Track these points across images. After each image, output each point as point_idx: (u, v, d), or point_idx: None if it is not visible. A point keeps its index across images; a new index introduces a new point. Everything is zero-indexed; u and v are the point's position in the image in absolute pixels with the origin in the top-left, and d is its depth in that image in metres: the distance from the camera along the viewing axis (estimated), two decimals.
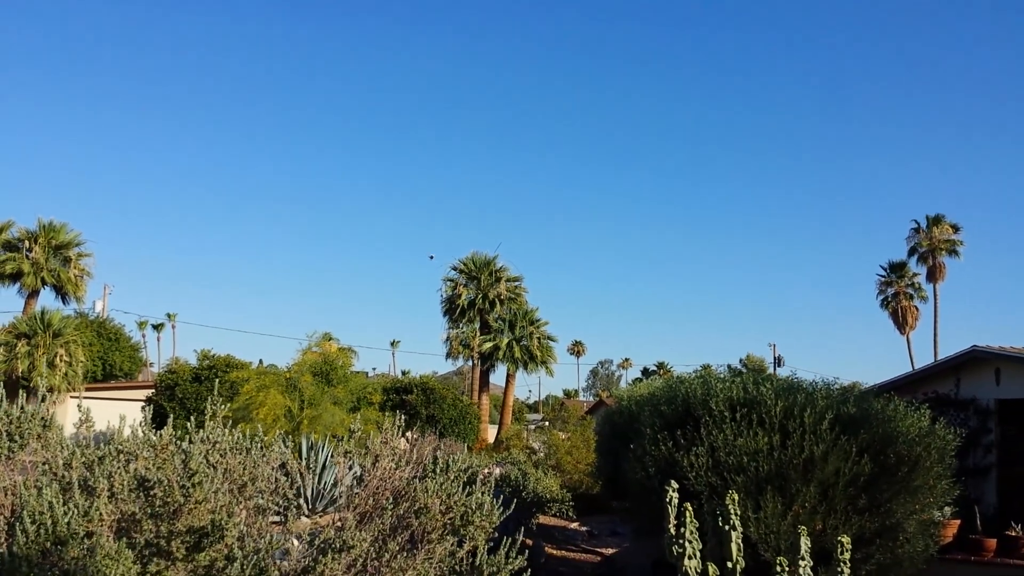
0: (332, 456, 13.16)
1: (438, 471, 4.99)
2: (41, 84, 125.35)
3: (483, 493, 5.08)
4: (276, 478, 5.05)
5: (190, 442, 4.79)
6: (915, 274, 60.64)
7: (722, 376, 12.17)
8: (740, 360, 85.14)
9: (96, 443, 5.54)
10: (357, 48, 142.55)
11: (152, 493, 4.18)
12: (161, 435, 4.89)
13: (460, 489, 5.03)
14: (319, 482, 13.20)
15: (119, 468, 4.35)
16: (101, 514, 4.14)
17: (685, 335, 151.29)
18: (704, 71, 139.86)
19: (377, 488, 4.86)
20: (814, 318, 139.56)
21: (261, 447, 5.56)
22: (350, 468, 6.80)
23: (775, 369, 63.46)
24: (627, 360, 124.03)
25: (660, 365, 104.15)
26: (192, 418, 5.54)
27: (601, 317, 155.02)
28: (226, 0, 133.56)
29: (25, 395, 7.85)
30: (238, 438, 5.04)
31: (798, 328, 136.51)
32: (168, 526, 4.12)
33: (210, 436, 4.91)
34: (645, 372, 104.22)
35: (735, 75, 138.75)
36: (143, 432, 4.92)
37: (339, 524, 4.84)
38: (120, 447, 4.77)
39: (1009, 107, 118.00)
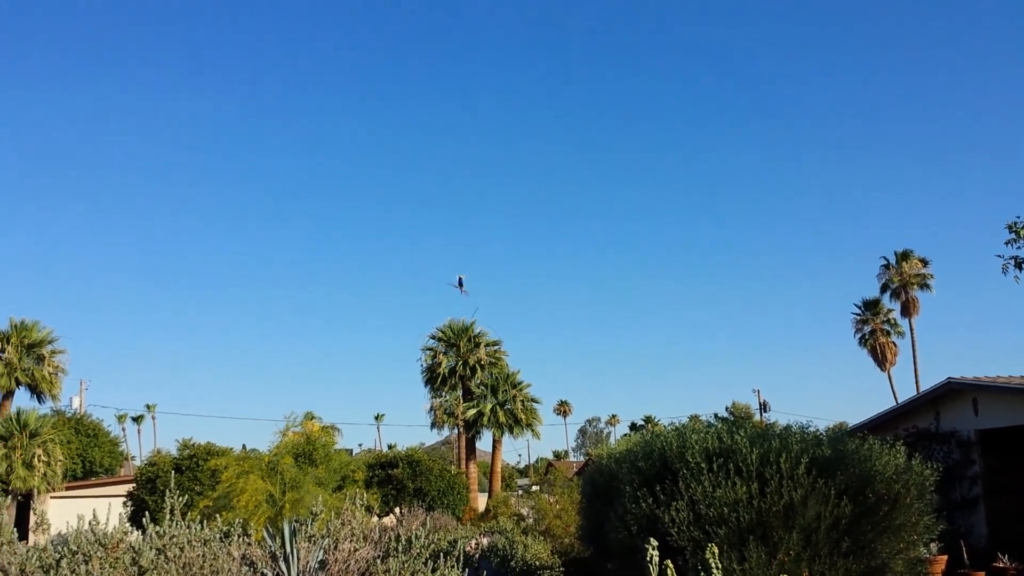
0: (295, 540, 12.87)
1: (400, 549, 4.92)
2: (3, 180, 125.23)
3: (450, 569, 5.00)
4: (239, 569, 4.97)
5: (146, 537, 4.72)
6: (890, 310, 61.19)
7: (698, 428, 12.15)
8: (726, 408, 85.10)
9: (63, 545, 5.45)
10: (322, 123, 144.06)
11: None
12: (111, 534, 4.82)
13: (426, 566, 4.96)
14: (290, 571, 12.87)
15: (71, 572, 4.27)
16: None
17: (671, 387, 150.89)
18: (675, 114, 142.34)
19: (338, 573, 4.79)
20: (796, 361, 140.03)
21: (227, 537, 5.48)
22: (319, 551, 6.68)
23: (761, 415, 63.45)
24: (614, 416, 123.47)
25: (648, 419, 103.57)
26: (173, 511, 5.46)
27: (585, 375, 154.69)
28: (186, 80, 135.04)
29: (5, 497, 7.72)
30: (198, 530, 4.97)
31: (782, 372, 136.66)
32: None
33: (167, 530, 4.84)
34: (633, 427, 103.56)
35: (705, 119, 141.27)
36: (93, 532, 4.84)
37: None
38: (75, 548, 4.69)
39: (966, 134, 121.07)
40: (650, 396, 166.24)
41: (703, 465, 10.33)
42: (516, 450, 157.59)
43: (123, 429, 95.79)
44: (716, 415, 62.58)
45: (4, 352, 39.06)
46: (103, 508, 10.12)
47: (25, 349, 39.79)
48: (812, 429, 11.94)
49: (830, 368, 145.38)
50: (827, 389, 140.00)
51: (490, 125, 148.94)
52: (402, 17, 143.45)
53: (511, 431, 43.35)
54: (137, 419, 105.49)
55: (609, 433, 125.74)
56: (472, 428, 43.37)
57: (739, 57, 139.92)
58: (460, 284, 50.03)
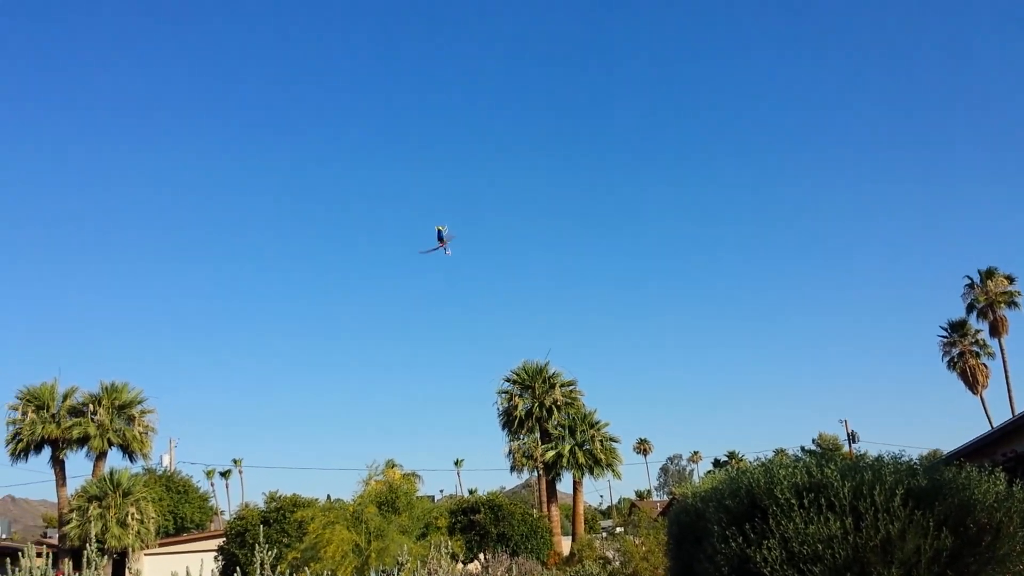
0: None
1: None
2: (91, 246, 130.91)
3: None
4: None
5: None
6: (977, 331, 58.92)
7: (785, 462, 11.85)
8: (813, 440, 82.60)
9: None
10: (393, 174, 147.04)
11: None
12: None
13: None
14: None
15: None
16: None
17: (754, 421, 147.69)
18: (752, 147, 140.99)
19: None
20: (884, 388, 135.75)
21: None
22: None
23: (849, 446, 61.45)
24: (696, 453, 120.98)
25: (731, 455, 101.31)
26: (263, 564, 5.57)
27: (663, 411, 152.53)
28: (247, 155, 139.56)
29: (102, 556, 8.00)
30: None
31: (869, 401, 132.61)
32: None
33: None
34: (716, 464, 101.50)
35: (783, 150, 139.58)
36: None
37: None
38: None
39: None
40: (732, 431, 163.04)
41: (793, 501, 10.06)
42: (597, 491, 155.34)
43: (211, 484, 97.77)
44: (803, 448, 60.97)
45: (96, 414, 40.44)
46: (195, 564, 10.37)
47: (116, 410, 41.14)
48: (905, 459, 11.53)
49: (919, 394, 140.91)
50: (917, 416, 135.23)
51: (582, 170, 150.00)
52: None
53: (591, 472, 42.88)
54: (225, 474, 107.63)
55: (692, 471, 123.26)
56: (552, 470, 43.04)
57: (820, 85, 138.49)
58: (441, 240, 37.99)
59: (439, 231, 37.54)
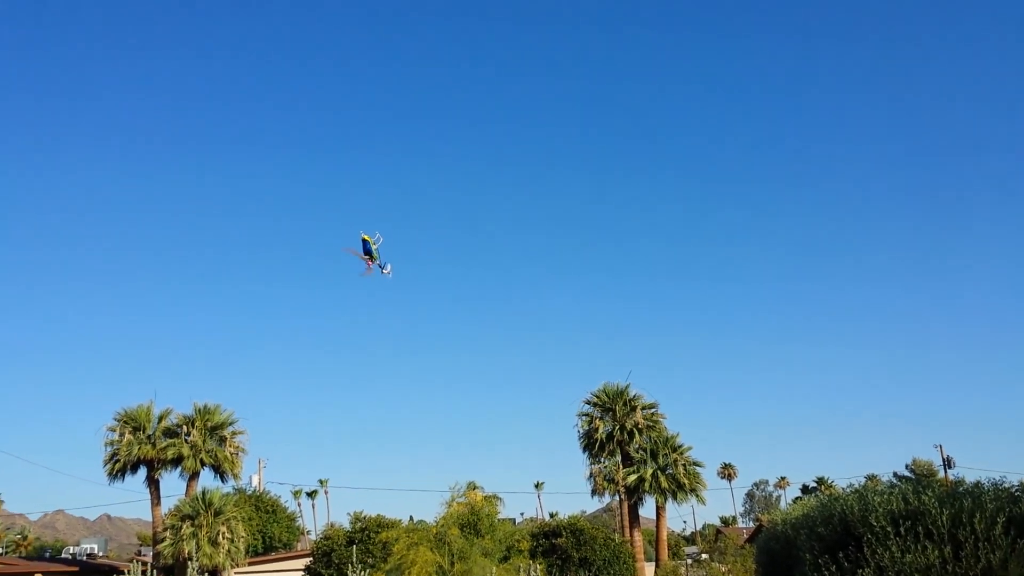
0: None
1: None
2: (187, 271, 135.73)
3: None
4: None
5: None
6: None
7: (879, 489, 11.51)
8: (906, 466, 79.58)
9: None
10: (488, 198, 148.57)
11: None
12: None
13: None
14: None
15: None
16: None
17: (843, 445, 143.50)
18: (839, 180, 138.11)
19: None
20: (980, 412, 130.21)
21: None
22: None
23: (945, 472, 59.04)
24: (784, 479, 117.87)
25: (820, 480, 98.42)
26: None
27: (748, 435, 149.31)
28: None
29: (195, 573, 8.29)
30: None
31: (964, 425, 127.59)
32: None
33: None
34: (804, 490, 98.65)
35: (844, 179, 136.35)
36: None
37: None
38: None
39: None
40: (820, 456, 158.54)
41: (889, 529, 9.78)
42: (681, 517, 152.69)
43: (299, 504, 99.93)
44: (896, 474, 58.81)
45: (189, 435, 41.72)
46: None
47: (208, 431, 42.37)
48: (1006, 485, 11.08)
49: (1020, 417, 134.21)
50: (1017, 440, 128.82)
51: (673, 198, 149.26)
52: None
53: (674, 497, 42.20)
54: (311, 494, 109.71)
55: (779, 497, 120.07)
56: (634, 494, 42.52)
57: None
58: (369, 254, 28.42)
59: (365, 241, 28.50)
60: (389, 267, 29.73)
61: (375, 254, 28.88)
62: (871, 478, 45.08)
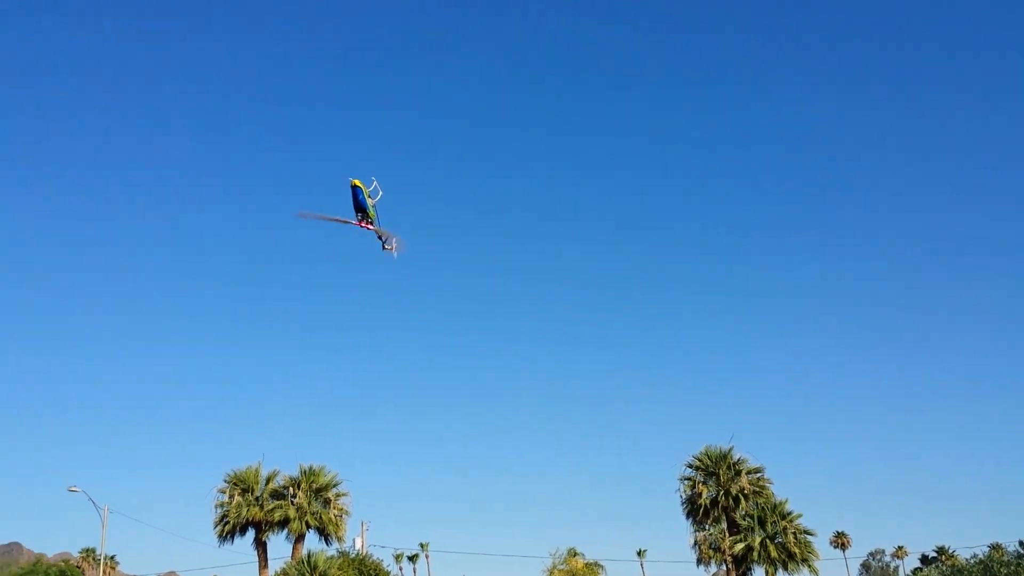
0: None
1: None
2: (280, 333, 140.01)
3: None
4: None
5: None
6: None
7: (1005, 559, 10.90)
8: None
9: None
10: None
11: None
12: None
13: None
14: None
15: None
16: None
17: (966, 513, 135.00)
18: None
19: None
20: None
21: None
22: None
23: None
24: (901, 548, 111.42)
25: (941, 550, 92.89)
26: None
27: (862, 501, 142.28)
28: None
29: None
30: None
31: None
32: None
33: None
34: (924, 560, 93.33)
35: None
36: None
37: None
38: None
39: None
40: (941, 523, 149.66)
41: None
42: None
43: (400, 568, 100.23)
44: (1021, 543, 54.96)
45: (295, 497, 42.62)
46: None
47: (313, 493, 43.22)
48: None
49: None
50: None
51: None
52: None
53: (785, 567, 40.51)
54: (412, 558, 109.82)
55: (897, 567, 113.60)
56: (741, 564, 41.03)
57: None
58: (362, 213, 21.46)
59: (356, 189, 20.92)
60: (395, 241, 22.30)
61: (371, 210, 21.37)
62: (995, 547, 42.31)
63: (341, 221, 21.23)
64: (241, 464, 43.65)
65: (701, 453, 43.75)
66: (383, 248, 22.47)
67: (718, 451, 43.44)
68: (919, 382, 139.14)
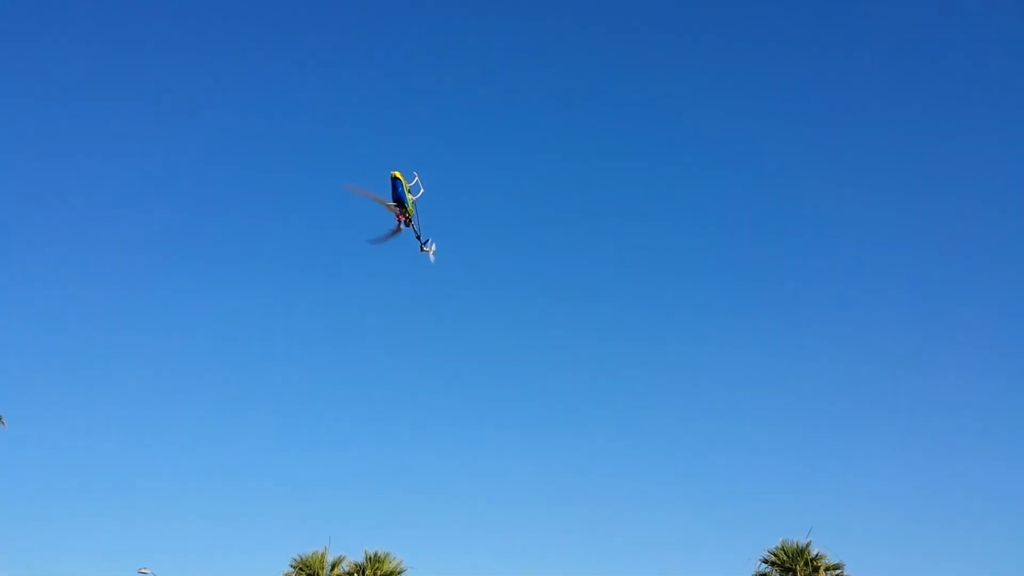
0: None
1: None
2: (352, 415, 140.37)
3: None
4: None
5: None
6: None
7: None
8: None
9: None
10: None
11: None
12: None
13: None
14: None
15: None
16: None
17: None
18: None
19: None
20: None
21: None
22: None
23: None
24: None
25: None
26: None
27: None
28: None
29: None
30: None
31: None
32: None
33: None
34: None
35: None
36: None
37: None
38: None
39: None
40: None
41: None
42: None
43: None
44: None
45: None
46: None
47: None
48: None
49: None
50: None
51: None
52: None
53: None
54: None
55: None
56: None
57: None
58: (399, 205, 21.48)
59: (396, 181, 20.77)
60: (433, 246, 22.80)
61: (410, 206, 21.21)
62: None
63: (388, 206, 21.10)
64: (307, 548, 43.69)
65: (776, 548, 42.22)
66: (421, 249, 22.56)
67: (794, 546, 41.84)
68: (996, 470, 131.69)
